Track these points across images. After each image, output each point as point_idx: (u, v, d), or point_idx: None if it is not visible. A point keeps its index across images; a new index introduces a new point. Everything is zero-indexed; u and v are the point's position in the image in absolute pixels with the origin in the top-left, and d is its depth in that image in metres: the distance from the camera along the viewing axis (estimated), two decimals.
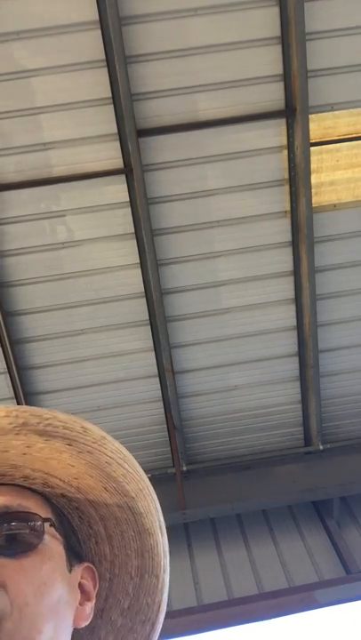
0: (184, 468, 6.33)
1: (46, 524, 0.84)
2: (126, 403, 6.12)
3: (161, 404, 6.15)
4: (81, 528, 0.95)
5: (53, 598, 0.79)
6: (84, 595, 0.89)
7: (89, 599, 0.89)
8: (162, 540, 0.94)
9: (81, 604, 0.87)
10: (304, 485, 6.16)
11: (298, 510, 6.44)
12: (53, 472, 0.87)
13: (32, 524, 0.82)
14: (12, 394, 5.80)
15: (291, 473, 6.32)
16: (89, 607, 0.88)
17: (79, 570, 0.89)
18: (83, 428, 0.84)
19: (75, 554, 0.90)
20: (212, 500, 6.06)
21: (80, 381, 5.95)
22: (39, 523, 0.83)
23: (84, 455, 0.85)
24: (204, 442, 6.48)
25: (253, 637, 5.29)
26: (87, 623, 0.87)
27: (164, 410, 6.17)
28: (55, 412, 0.82)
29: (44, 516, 0.85)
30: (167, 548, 0.95)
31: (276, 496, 6.13)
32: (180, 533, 6.26)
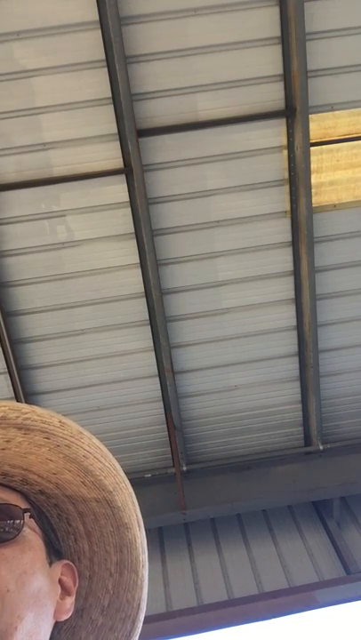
0: (184, 468, 6.33)
1: (26, 515, 0.85)
2: (126, 403, 6.12)
3: (161, 404, 6.15)
4: (59, 526, 0.96)
5: (34, 587, 0.79)
6: (64, 590, 0.89)
7: (69, 594, 0.90)
8: (140, 535, 0.94)
9: (61, 598, 0.88)
10: (304, 485, 6.16)
11: (298, 510, 6.44)
12: (32, 467, 0.88)
13: (11, 514, 0.83)
14: (12, 394, 5.80)
15: (291, 473, 6.32)
16: (69, 602, 0.89)
17: (59, 566, 0.90)
18: (60, 422, 0.84)
19: (54, 550, 0.91)
20: (212, 500, 6.06)
21: (80, 381, 5.95)
22: (19, 513, 0.84)
23: (62, 449, 0.85)
24: (204, 442, 6.48)
25: (253, 637, 5.30)
26: (67, 617, 0.88)
27: (164, 410, 6.17)
28: (34, 407, 0.83)
29: (23, 507, 0.86)
30: (145, 544, 0.95)
31: (276, 496, 6.13)
32: (180, 533, 6.26)
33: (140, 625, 0.96)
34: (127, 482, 0.91)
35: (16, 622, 0.74)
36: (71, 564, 0.93)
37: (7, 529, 0.82)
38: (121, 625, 0.95)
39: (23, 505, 0.87)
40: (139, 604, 0.96)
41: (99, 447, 0.88)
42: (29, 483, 0.90)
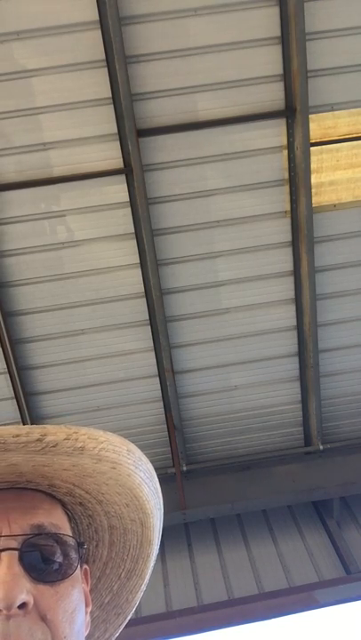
0: (184, 468, 6.32)
1: (82, 550, 0.83)
2: (126, 403, 6.12)
3: (161, 403, 6.15)
4: (86, 532, 0.95)
5: (80, 623, 0.79)
6: (85, 601, 0.89)
7: (87, 604, 0.88)
8: (156, 549, 0.96)
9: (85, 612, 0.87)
10: (304, 485, 6.16)
11: (298, 510, 6.44)
12: (83, 486, 0.87)
13: (72, 548, 0.81)
14: (12, 394, 5.80)
15: (291, 473, 6.32)
16: (89, 615, 0.89)
17: (81, 574, 0.89)
18: (128, 450, 0.84)
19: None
20: (212, 499, 6.06)
21: (80, 381, 5.95)
22: (76, 548, 0.81)
23: (123, 477, 0.85)
24: (204, 442, 6.48)
25: (253, 637, 5.29)
26: (87, 632, 0.87)
27: (164, 410, 6.17)
28: (108, 436, 0.81)
29: (74, 537, 0.83)
30: (156, 554, 0.98)
31: (276, 496, 6.13)
32: (180, 533, 6.26)
33: (128, 618, 1.01)
34: (161, 502, 0.93)
35: None
36: (87, 568, 0.93)
37: (64, 565, 0.79)
38: (114, 619, 0.98)
39: (68, 527, 0.85)
40: (135, 604, 0.99)
41: (151, 473, 0.88)
42: (73, 495, 0.89)
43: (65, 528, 0.83)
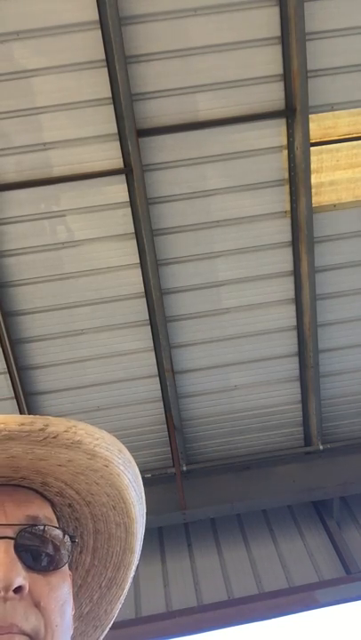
0: (184, 468, 6.32)
1: (75, 544, 0.85)
2: (126, 403, 6.12)
3: (161, 404, 6.15)
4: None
5: (68, 618, 0.80)
6: None
7: (72, 608, 0.90)
8: (137, 556, 0.97)
9: None
10: (304, 485, 6.16)
11: (298, 510, 6.44)
12: (75, 485, 0.88)
13: (64, 540, 0.82)
14: (11, 394, 5.80)
15: (291, 473, 6.32)
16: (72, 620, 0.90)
17: None
18: (119, 450, 0.86)
19: None
20: (212, 499, 6.06)
21: (80, 381, 5.95)
22: (68, 542, 0.83)
23: (114, 477, 0.86)
24: (204, 442, 6.48)
25: (253, 637, 5.29)
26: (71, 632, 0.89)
27: (164, 410, 6.17)
28: (103, 433, 0.83)
29: (66, 531, 0.85)
30: (137, 562, 0.98)
31: (276, 496, 6.13)
32: (180, 533, 6.26)
33: (106, 632, 1.00)
34: (145, 511, 0.95)
35: None
36: (71, 573, 0.94)
37: (57, 556, 0.80)
38: (92, 631, 0.98)
39: (52, 516, 0.87)
40: (113, 616, 0.99)
41: (137, 477, 0.90)
42: (64, 496, 0.90)
43: (51, 517, 0.86)
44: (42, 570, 0.77)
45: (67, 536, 0.83)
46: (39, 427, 0.75)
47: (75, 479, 0.87)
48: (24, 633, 0.72)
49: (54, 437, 0.77)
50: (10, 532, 0.76)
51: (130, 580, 0.98)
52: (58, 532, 0.82)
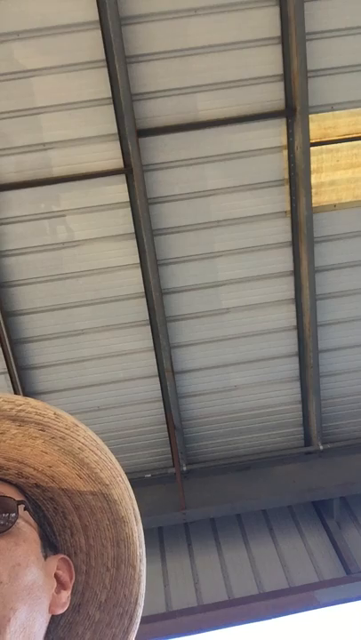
0: (184, 468, 6.32)
1: (20, 507, 0.85)
2: (126, 403, 6.12)
3: (161, 404, 6.15)
4: (55, 519, 0.95)
5: (28, 579, 0.79)
6: (60, 584, 0.89)
7: (65, 588, 0.89)
8: (137, 529, 0.93)
9: (57, 591, 0.87)
10: (304, 485, 6.16)
11: (298, 510, 6.44)
12: (27, 460, 0.88)
13: (5, 506, 0.83)
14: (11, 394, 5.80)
15: (291, 473, 6.32)
16: (65, 596, 0.88)
17: (55, 560, 0.90)
18: (55, 414, 0.84)
19: (50, 544, 0.91)
20: (212, 499, 6.06)
21: (80, 381, 5.95)
22: (13, 505, 0.84)
23: (57, 441, 0.86)
24: (204, 442, 6.48)
25: (253, 637, 5.30)
26: (62, 611, 0.87)
27: (164, 410, 6.17)
28: (28, 399, 0.83)
29: (17, 499, 0.86)
30: (142, 537, 0.94)
31: (276, 496, 6.13)
32: (180, 533, 6.26)
33: (137, 621, 0.95)
34: (124, 475, 0.91)
35: (9, 614, 0.74)
36: (67, 558, 0.93)
37: (1, 521, 0.82)
38: (118, 621, 0.94)
39: (18, 497, 0.87)
40: (136, 600, 0.95)
41: (94, 440, 0.88)
42: (25, 476, 0.90)
43: (6, 492, 0.86)
44: None
45: (10, 500, 0.84)
46: None
47: (21, 454, 0.87)
48: None
49: None
50: None
51: (141, 557, 0.94)
52: (2, 499, 0.83)
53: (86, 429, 0.87)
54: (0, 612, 0.73)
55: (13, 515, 0.83)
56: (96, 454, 0.88)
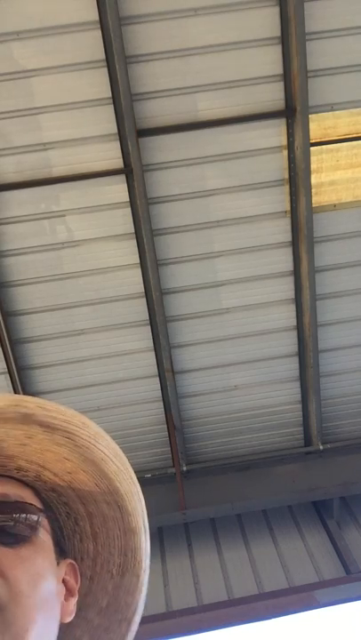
0: (184, 468, 6.32)
1: (42, 516, 0.86)
2: (126, 403, 6.12)
3: (161, 404, 6.15)
4: (67, 524, 0.96)
5: (45, 590, 0.79)
6: (68, 591, 0.89)
7: (72, 595, 0.89)
8: (145, 540, 0.94)
9: (66, 599, 0.87)
10: (304, 485, 6.16)
11: (298, 510, 6.44)
12: (48, 465, 0.88)
13: (29, 515, 0.83)
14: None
15: (291, 473, 6.32)
16: (72, 603, 0.89)
17: (63, 565, 0.90)
18: (82, 422, 0.85)
19: (60, 549, 0.91)
20: (212, 499, 6.06)
21: (80, 381, 5.95)
22: (36, 515, 0.84)
23: (82, 450, 0.86)
24: (204, 442, 6.48)
25: (253, 637, 5.30)
26: (70, 619, 0.87)
27: (164, 410, 6.17)
28: (57, 405, 0.84)
29: (39, 507, 0.86)
30: (149, 549, 0.95)
31: (276, 496, 6.13)
32: (180, 533, 6.26)
33: (135, 628, 0.96)
34: (139, 489, 0.92)
35: (30, 626, 0.74)
36: (75, 563, 0.93)
37: (24, 529, 0.82)
38: (117, 626, 0.95)
39: (37, 502, 0.88)
40: (136, 608, 0.96)
41: (116, 451, 0.89)
42: (42, 480, 0.90)
43: (28, 499, 0.87)
44: (11, 544, 0.79)
45: (36, 509, 0.84)
46: None
47: (45, 459, 0.87)
48: None
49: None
50: None
51: (145, 568, 0.95)
52: (28, 507, 0.84)
53: (109, 440, 0.88)
54: (22, 623, 0.73)
55: (36, 523, 0.84)
56: (116, 465, 0.89)
